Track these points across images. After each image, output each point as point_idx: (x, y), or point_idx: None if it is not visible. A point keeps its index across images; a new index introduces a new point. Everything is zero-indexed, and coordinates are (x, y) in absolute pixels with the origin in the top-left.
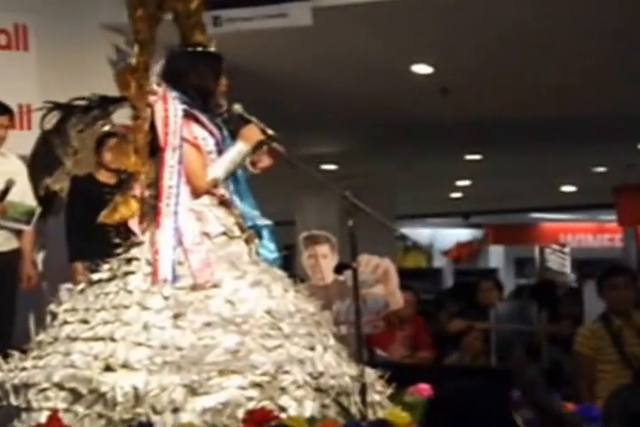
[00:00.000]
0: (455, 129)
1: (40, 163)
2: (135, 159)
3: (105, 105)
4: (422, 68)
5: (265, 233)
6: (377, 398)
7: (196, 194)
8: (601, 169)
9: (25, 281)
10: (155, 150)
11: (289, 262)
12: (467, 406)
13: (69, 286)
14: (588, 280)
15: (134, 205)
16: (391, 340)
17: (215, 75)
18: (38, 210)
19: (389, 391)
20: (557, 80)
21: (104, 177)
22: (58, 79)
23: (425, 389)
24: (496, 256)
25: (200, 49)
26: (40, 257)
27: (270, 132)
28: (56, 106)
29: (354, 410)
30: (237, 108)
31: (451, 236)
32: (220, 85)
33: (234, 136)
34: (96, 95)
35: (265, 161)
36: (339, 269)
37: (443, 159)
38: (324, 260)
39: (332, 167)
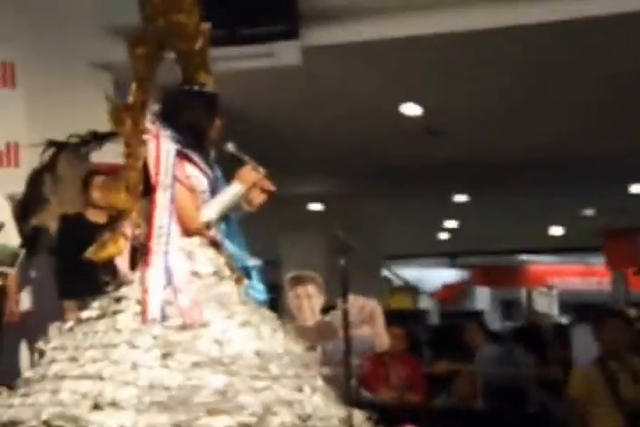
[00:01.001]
0: (443, 170)
1: (28, 203)
2: (125, 197)
3: (97, 141)
4: (411, 109)
5: (254, 274)
6: None
7: (188, 235)
8: (589, 212)
9: (8, 316)
10: (147, 189)
11: (275, 302)
12: None
13: (59, 324)
14: (578, 324)
15: (122, 242)
16: (383, 381)
17: (210, 114)
18: (22, 252)
19: None
20: (547, 123)
21: (93, 216)
22: (45, 117)
23: None
24: (482, 298)
25: (196, 88)
26: (25, 295)
27: (263, 170)
28: (49, 143)
29: None
30: (230, 147)
31: (437, 276)
32: (215, 125)
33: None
34: (89, 131)
35: (259, 197)
36: (326, 309)
37: (430, 200)
38: (309, 300)
39: (318, 207)
